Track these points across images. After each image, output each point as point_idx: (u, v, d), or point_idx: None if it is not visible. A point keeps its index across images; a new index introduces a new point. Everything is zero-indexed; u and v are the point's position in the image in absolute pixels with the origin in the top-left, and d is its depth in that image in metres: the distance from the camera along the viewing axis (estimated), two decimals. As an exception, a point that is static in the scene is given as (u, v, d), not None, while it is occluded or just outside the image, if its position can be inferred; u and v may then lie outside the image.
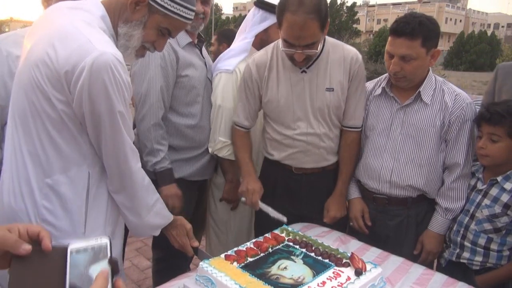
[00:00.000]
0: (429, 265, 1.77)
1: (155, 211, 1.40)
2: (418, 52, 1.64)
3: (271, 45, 1.90)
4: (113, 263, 0.70)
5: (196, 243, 1.53)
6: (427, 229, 1.82)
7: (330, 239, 1.71)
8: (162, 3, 1.25)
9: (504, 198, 1.61)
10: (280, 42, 1.80)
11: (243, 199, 1.82)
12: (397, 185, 1.80)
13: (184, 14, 1.30)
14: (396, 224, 1.85)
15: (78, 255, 0.71)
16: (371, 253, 1.62)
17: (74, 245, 0.72)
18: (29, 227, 0.74)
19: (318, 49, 1.71)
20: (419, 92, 1.74)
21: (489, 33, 40.10)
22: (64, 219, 1.23)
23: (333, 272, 1.30)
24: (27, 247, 0.69)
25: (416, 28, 1.61)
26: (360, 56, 1.86)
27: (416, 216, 1.84)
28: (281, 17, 1.62)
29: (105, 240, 0.73)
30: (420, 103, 1.76)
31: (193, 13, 1.34)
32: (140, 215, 1.37)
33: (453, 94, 1.73)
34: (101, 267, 0.69)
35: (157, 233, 1.46)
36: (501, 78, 1.87)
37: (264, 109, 1.94)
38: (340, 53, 1.83)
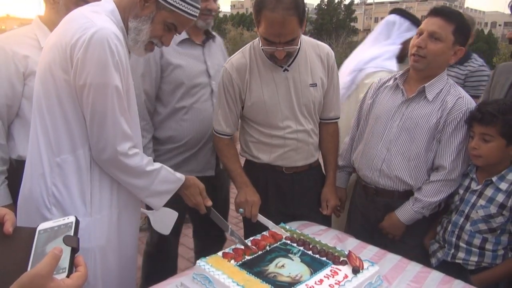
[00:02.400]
0: (425, 262, 1.77)
1: (159, 180, 1.42)
2: (447, 36, 1.67)
3: (247, 47, 1.87)
4: (71, 241, 0.70)
5: (209, 202, 1.57)
6: (392, 212, 1.84)
7: (327, 237, 1.72)
8: (168, 0, 1.32)
9: (500, 198, 1.61)
10: (255, 43, 1.82)
11: (241, 210, 1.78)
12: (385, 174, 1.83)
13: (189, 11, 1.38)
14: (381, 216, 1.89)
15: (45, 234, 0.72)
16: (368, 251, 1.63)
17: (42, 225, 0.74)
18: None
19: (298, 45, 1.71)
20: (424, 87, 1.74)
21: (486, 31, 40.12)
22: (69, 200, 1.28)
23: (331, 270, 1.31)
24: None
25: (454, 14, 1.68)
26: (332, 50, 1.93)
27: None
28: (259, 15, 1.61)
29: (71, 219, 0.74)
30: (423, 99, 1.77)
31: (198, 10, 1.41)
32: (139, 195, 1.42)
33: (456, 96, 1.73)
34: (56, 244, 0.69)
35: (166, 198, 1.47)
36: (496, 77, 1.96)
37: (246, 113, 1.88)
38: (315, 49, 1.86)
